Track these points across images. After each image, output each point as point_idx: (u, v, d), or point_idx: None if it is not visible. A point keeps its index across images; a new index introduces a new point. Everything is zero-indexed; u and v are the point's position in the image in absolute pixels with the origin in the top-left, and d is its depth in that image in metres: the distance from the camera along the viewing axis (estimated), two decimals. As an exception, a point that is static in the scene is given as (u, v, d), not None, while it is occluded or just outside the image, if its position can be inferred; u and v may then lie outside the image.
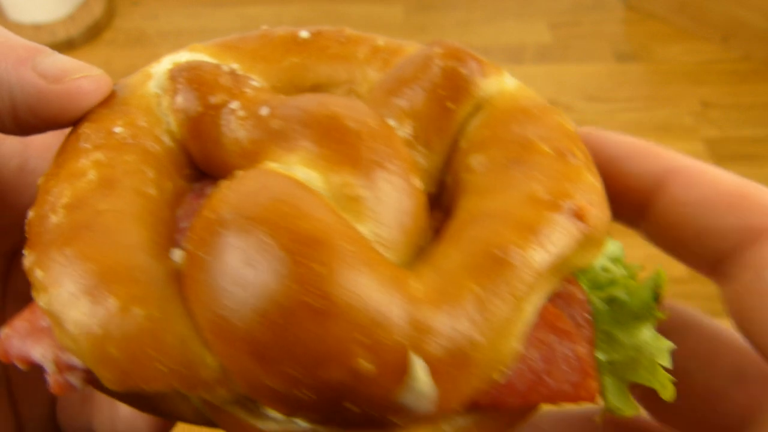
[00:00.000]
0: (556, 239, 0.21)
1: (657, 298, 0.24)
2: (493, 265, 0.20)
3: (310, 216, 0.19)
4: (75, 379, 0.21)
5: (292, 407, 0.19)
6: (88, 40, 1.36)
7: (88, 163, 0.22)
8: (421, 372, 0.19)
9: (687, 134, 1.18)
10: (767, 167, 1.12)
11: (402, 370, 0.18)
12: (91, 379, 0.21)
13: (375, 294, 0.18)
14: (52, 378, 0.21)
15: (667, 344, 0.23)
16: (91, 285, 0.20)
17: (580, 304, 0.23)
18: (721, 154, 1.14)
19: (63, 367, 0.21)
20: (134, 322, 0.19)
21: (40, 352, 0.21)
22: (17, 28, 1.35)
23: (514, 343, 0.20)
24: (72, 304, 0.20)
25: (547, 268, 0.21)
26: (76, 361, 0.21)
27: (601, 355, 0.24)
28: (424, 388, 0.19)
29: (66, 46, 1.33)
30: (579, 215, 0.21)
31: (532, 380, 0.21)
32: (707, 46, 1.33)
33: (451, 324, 0.19)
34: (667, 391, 0.23)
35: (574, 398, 0.21)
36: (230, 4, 1.45)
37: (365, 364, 0.18)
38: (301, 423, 0.20)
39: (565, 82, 1.27)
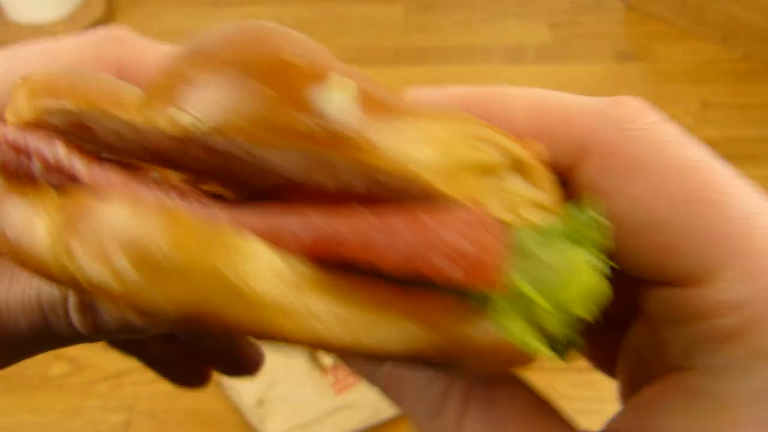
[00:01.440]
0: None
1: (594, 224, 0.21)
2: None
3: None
4: None
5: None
6: (88, 40, 1.36)
7: None
8: (339, 82, 0.19)
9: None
10: (767, 167, 1.11)
11: (321, 76, 0.19)
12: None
13: None
14: None
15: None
16: None
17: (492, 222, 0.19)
18: (721, 154, 1.14)
19: None
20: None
21: None
22: (17, 28, 1.35)
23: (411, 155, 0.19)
24: None
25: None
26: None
27: (516, 274, 0.19)
28: (343, 99, 0.19)
29: (66, 46, 1.33)
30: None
31: (419, 227, 0.18)
32: (707, 46, 1.33)
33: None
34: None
35: (475, 258, 0.17)
36: (230, 4, 1.45)
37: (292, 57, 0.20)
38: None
39: (565, 82, 1.27)
